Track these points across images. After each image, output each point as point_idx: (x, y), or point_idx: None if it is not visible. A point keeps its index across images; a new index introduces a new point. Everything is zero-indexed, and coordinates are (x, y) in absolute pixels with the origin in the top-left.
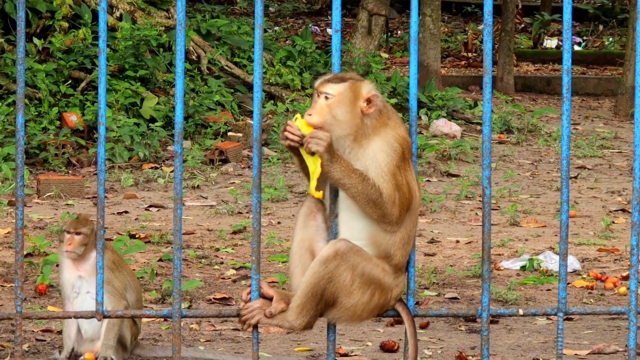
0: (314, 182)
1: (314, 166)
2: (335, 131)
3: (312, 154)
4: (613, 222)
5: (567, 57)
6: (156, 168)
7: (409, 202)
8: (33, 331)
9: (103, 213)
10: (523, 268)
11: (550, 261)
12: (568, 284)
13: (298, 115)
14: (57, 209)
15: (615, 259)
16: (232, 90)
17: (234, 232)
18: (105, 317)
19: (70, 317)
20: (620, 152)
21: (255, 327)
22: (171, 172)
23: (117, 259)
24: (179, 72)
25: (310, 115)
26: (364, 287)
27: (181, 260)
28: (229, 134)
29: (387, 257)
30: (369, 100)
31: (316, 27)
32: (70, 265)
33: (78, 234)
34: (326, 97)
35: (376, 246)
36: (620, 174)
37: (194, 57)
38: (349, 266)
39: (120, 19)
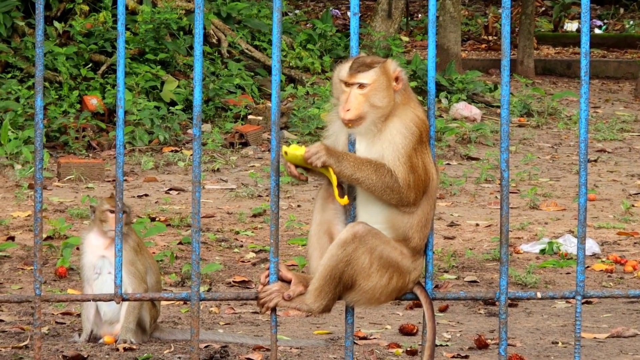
0: (336, 190)
1: (328, 174)
2: (372, 117)
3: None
4: (633, 206)
5: (585, 40)
6: (176, 151)
7: (426, 185)
8: (53, 314)
9: (121, 196)
10: (542, 251)
11: (569, 244)
12: (587, 267)
13: (284, 148)
14: (77, 192)
15: (635, 243)
16: (253, 74)
17: (254, 215)
18: (123, 299)
19: (89, 300)
20: None
21: (274, 310)
22: (191, 155)
23: (140, 241)
24: (198, 55)
25: (348, 110)
26: (382, 270)
27: (199, 243)
28: (249, 117)
29: (405, 239)
30: (397, 78)
31: (337, 11)
32: (96, 245)
33: (123, 212)
34: (360, 86)
35: (394, 229)
36: None
37: (214, 41)
38: (367, 249)
39: (140, 2)
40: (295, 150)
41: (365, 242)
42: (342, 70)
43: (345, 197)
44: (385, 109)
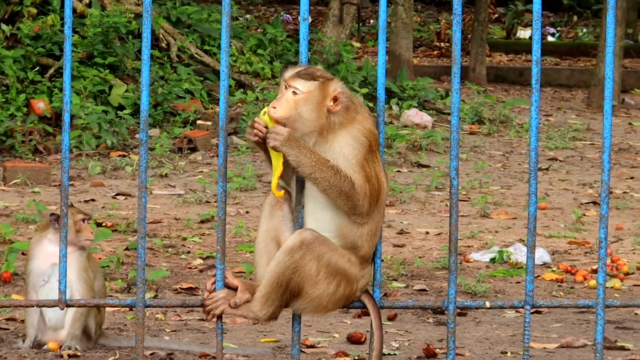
0: (275, 180)
1: (277, 162)
2: (299, 127)
3: (273, 149)
4: (584, 215)
5: (536, 48)
6: (124, 156)
7: (379, 195)
8: None
9: (67, 201)
10: (493, 260)
11: (520, 253)
12: (537, 276)
13: (266, 109)
14: (23, 197)
15: (586, 252)
16: (202, 79)
17: (202, 222)
18: (68, 306)
19: (34, 306)
20: (593, 144)
21: (220, 317)
22: (139, 160)
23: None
24: (145, 59)
25: (274, 108)
26: (330, 278)
27: (145, 249)
28: (198, 122)
29: (354, 248)
30: (335, 99)
31: (288, 16)
32: (49, 252)
33: (88, 218)
34: (294, 92)
35: (343, 238)
36: (592, 166)
37: (163, 45)
38: (314, 256)
39: (89, 5)
40: (267, 120)
41: (312, 249)
42: (289, 71)
43: (282, 191)
44: (312, 123)
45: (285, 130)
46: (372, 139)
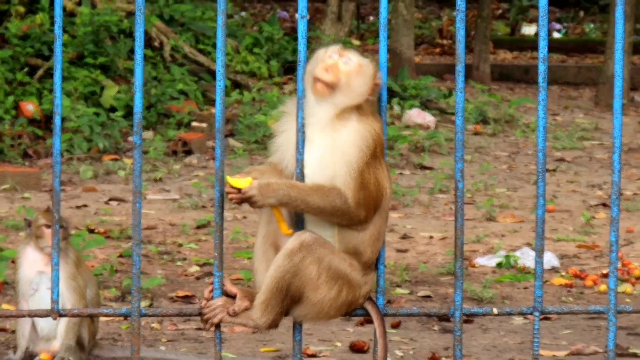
0: (282, 225)
1: (273, 209)
2: (339, 99)
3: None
4: (593, 217)
5: (543, 45)
6: (117, 160)
7: (377, 202)
8: None
9: (59, 207)
10: (499, 265)
11: (527, 258)
12: (546, 281)
13: (227, 178)
14: (12, 202)
15: (596, 256)
16: (196, 79)
17: (198, 227)
18: (60, 315)
19: (25, 316)
20: (601, 144)
21: (218, 326)
22: (132, 164)
23: (79, 254)
24: (138, 59)
25: (327, 70)
26: (331, 282)
27: (140, 257)
28: (193, 124)
29: (357, 253)
30: (376, 85)
31: (285, 13)
32: (33, 260)
33: (61, 226)
34: (346, 63)
35: (344, 243)
36: (601, 166)
37: (156, 44)
38: (314, 259)
39: (79, 3)
40: (236, 184)
41: (312, 251)
42: (330, 47)
43: (292, 230)
44: (354, 99)
45: (253, 187)
46: (378, 144)
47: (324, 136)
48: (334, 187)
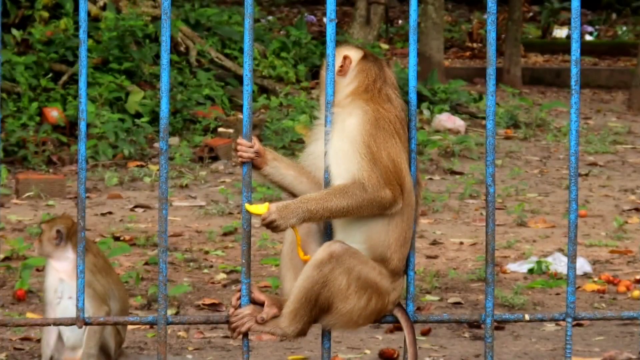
0: (299, 250)
1: (293, 230)
2: (322, 98)
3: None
4: (626, 222)
5: (575, 47)
6: (142, 166)
7: (398, 177)
8: (11, 340)
9: (84, 214)
10: (531, 271)
11: (559, 263)
12: (578, 287)
13: (246, 206)
14: (37, 210)
15: (629, 261)
16: (223, 84)
17: (225, 234)
18: (86, 324)
19: (50, 324)
20: (634, 147)
21: (246, 335)
22: (158, 170)
23: (99, 262)
24: (164, 64)
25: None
26: (361, 292)
27: (167, 264)
28: (219, 129)
29: (384, 260)
30: (344, 58)
31: (312, 17)
32: (54, 267)
33: (57, 231)
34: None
35: (372, 249)
36: (634, 170)
37: (182, 49)
38: (344, 269)
39: (104, 8)
40: (255, 210)
41: (342, 262)
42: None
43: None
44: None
45: (272, 212)
46: (379, 116)
47: (337, 133)
48: (349, 180)
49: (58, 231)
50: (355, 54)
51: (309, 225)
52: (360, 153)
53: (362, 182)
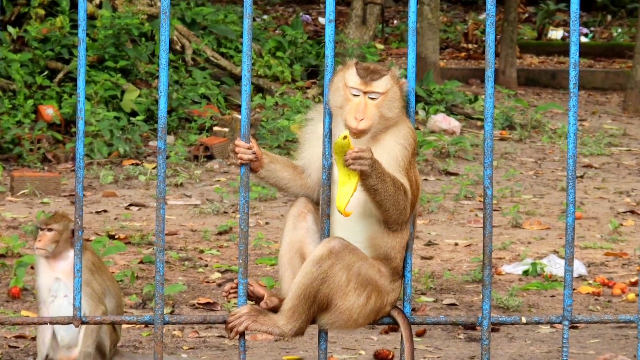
0: (346, 199)
1: (348, 179)
2: (377, 128)
3: (361, 174)
4: (621, 225)
5: (574, 50)
6: (137, 164)
7: (415, 200)
8: (5, 337)
9: (81, 212)
10: (526, 273)
11: (554, 265)
12: (573, 290)
13: (345, 133)
14: (31, 208)
15: (624, 264)
16: (218, 83)
17: (220, 233)
18: (83, 323)
19: (46, 323)
20: (629, 150)
21: (242, 334)
22: (153, 168)
23: (96, 261)
24: (163, 63)
25: (362, 120)
26: (360, 289)
27: (164, 263)
28: (215, 128)
29: (387, 259)
30: (404, 91)
31: (307, 16)
32: (47, 265)
33: (50, 230)
34: (371, 98)
35: (375, 249)
36: (629, 173)
37: (177, 48)
38: (344, 265)
39: (100, 6)
40: (344, 142)
41: (341, 258)
42: (350, 77)
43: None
44: (392, 120)
45: (369, 154)
46: (415, 142)
47: (370, 143)
48: (400, 180)
49: (73, 230)
50: (403, 79)
51: (307, 225)
52: (400, 173)
53: (407, 191)
